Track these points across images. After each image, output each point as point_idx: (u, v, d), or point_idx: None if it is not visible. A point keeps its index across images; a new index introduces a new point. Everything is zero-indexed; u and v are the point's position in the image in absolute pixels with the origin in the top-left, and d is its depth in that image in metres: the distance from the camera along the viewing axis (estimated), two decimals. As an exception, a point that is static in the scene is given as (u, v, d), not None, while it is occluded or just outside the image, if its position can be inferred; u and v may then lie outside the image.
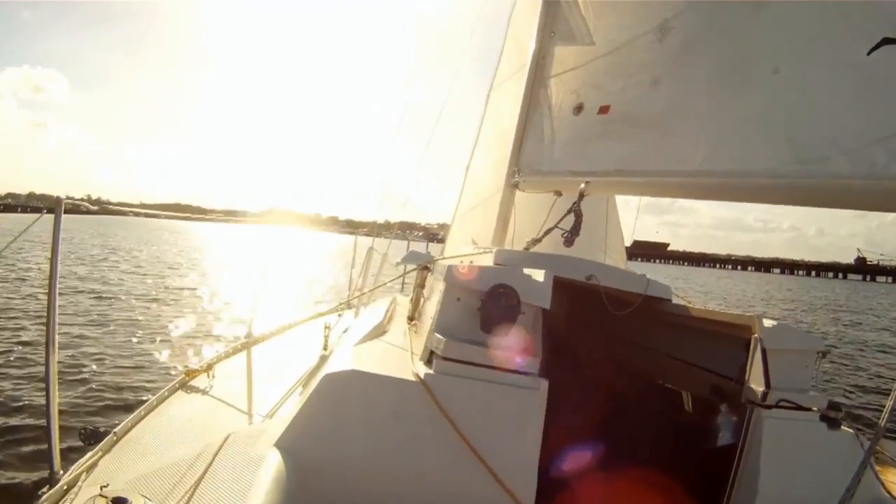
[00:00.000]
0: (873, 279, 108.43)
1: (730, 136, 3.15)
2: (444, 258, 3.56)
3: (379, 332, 3.16)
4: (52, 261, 2.34)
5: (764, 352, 2.48)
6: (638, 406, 3.38)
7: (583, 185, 3.86)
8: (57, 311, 2.33)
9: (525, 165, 4.66)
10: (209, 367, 3.92)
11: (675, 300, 3.42)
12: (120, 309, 13.61)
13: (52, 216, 2.38)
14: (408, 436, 2.14)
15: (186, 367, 4.02)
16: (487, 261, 3.12)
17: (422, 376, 2.19)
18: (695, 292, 33.84)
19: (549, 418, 2.29)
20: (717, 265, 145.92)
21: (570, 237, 3.93)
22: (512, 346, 2.30)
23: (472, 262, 3.03)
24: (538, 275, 2.46)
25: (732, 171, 2.99)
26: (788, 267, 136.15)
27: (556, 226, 4.09)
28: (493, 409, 2.19)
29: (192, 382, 3.71)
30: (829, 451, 2.50)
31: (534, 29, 4.96)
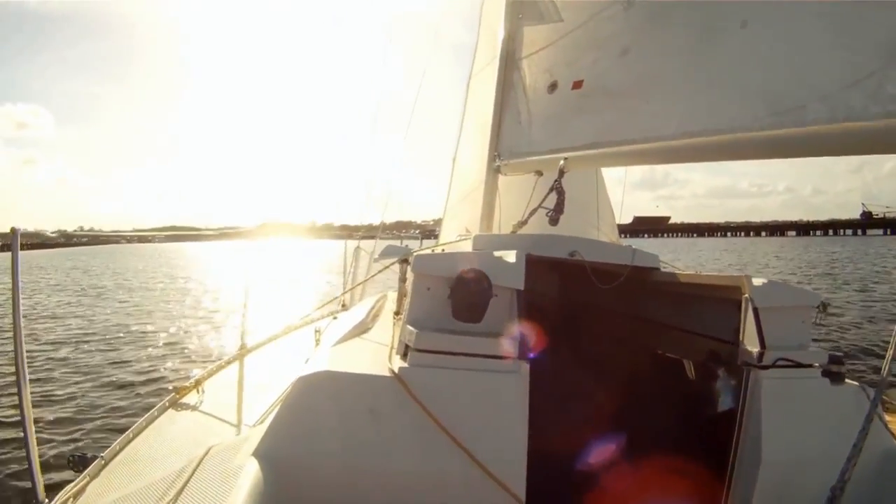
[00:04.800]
0: (894, 232, 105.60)
1: (703, 97, 3.09)
2: (420, 250, 3.45)
3: (361, 329, 3.06)
4: (14, 290, 2.22)
5: (756, 311, 2.38)
6: (638, 379, 3.31)
7: (562, 162, 3.80)
8: (23, 339, 2.21)
9: (505, 149, 4.60)
10: (198, 382, 3.78)
11: (663, 268, 3.35)
12: (109, 331, 13.77)
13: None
14: (386, 432, 2.06)
15: (175, 385, 3.84)
16: (467, 247, 3.05)
17: (396, 371, 2.10)
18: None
19: (543, 399, 2.21)
20: (729, 233, 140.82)
21: (555, 216, 3.86)
22: (487, 332, 2.22)
23: (444, 249, 2.95)
24: (510, 256, 2.36)
25: (708, 132, 2.93)
26: (804, 228, 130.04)
27: (540, 205, 4.01)
28: (473, 398, 2.10)
29: (183, 400, 3.58)
30: (834, 407, 2.40)
31: (503, 13, 4.90)
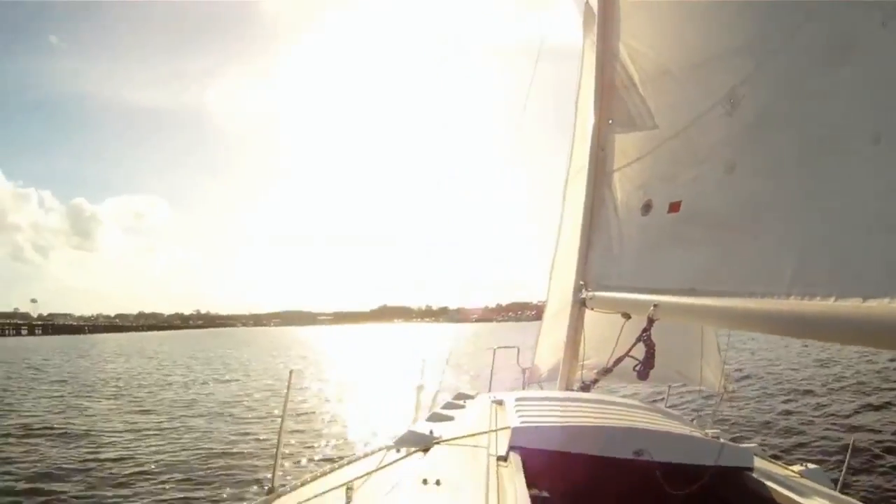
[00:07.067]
0: None
1: (829, 236, 2.26)
2: (446, 440, 2.63)
3: None
4: None
5: None
6: None
7: (652, 309, 3.06)
8: None
9: (592, 279, 3.94)
10: None
11: (758, 463, 2.49)
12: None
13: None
14: None
15: None
16: (503, 441, 2.41)
17: None
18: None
19: None
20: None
21: (644, 371, 3.20)
22: None
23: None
24: None
25: (837, 293, 2.07)
26: None
27: (626, 354, 3.44)
28: None
29: None
30: None
31: (592, 117, 4.33)
